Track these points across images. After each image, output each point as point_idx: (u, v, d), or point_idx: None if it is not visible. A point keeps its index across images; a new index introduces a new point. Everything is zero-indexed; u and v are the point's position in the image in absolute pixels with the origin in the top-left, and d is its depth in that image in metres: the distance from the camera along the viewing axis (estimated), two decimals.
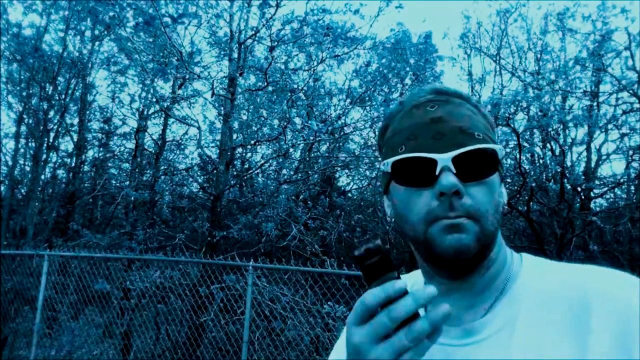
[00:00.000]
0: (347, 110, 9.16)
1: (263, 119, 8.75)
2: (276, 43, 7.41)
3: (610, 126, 8.57)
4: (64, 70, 9.40)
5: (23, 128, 9.82)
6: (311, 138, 7.62)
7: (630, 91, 8.15)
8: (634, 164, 8.59)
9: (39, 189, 9.65)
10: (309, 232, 7.69)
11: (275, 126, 8.28)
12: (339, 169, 10.14)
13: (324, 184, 9.99)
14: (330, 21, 7.51)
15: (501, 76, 9.97)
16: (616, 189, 9.20)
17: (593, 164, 9.16)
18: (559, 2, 22.16)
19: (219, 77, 7.98)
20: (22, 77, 9.45)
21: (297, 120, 8.43)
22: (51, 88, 9.38)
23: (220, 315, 5.43)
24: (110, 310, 5.89)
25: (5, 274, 6.10)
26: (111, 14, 7.68)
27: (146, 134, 10.22)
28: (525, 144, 8.29)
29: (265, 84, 7.25)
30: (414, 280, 0.81)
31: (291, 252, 7.19)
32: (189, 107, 11.64)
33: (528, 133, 8.47)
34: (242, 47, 7.33)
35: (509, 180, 8.26)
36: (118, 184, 10.92)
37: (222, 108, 8.07)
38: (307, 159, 9.62)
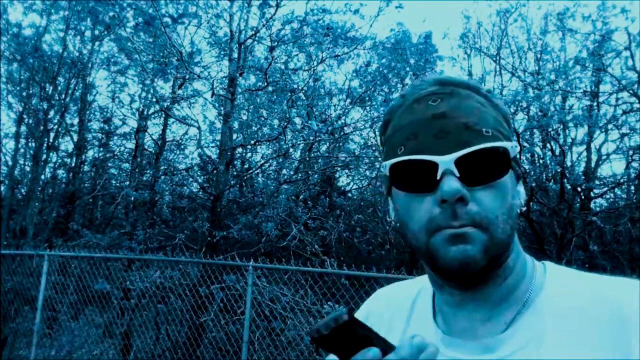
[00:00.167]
0: (347, 110, 9.16)
1: (263, 119, 8.75)
2: (276, 43, 7.42)
3: (610, 126, 8.58)
4: (64, 70, 9.40)
5: (23, 128, 9.83)
6: (311, 138, 7.62)
7: (630, 91, 8.15)
8: (634, 164, 8.60)
9: (39, 189, 9.65)
10: (309, 232, 7.69)
11: (275, 126, 8.28)
12: (339, 169, 10.15)
13: (324, 184, 9.99)
14: (330, 21, 7.51)
15: (501, 76, 9.96)
16: (616, 189, 9.21)
17: (593, 164, 9.17)
18: (559, 2, 22.16)
19: (219, 77, 7.99)
20: (22, 77, 9.46)
21: (297, 120, 8.43)
22: (51, 88, 9.38)
23: (220, 315, 5.43)
24: (110, 310, 5.89)
25: (5, 274, 6.10)
26: (111, 14, 7.68)
27: (146, 134, 10.23)
28: (525, 144, 8.30)
29: (265, 84, 7.25)
30: (420, 286, 0.75)
31: (291, 252, 7.19)
32: (189, 107, 11.66)
33: (528, 133, 8.47)
34: (242, 47, 7.33)
35: None
36: (118, 184, 10.92)
37: (222, 108, 8.07)
38: (307, 159, 9.62)
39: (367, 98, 8.56)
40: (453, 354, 0.63)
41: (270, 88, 7.87)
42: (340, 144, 10.19)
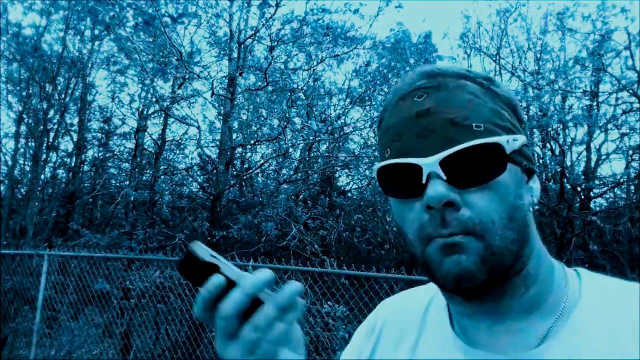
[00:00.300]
0: (347, 110, 9.16)
1: (263, 119, 8.75)
2: (276, 43, 7.42)
3: (610, 126, 8.58)
4: (64, 70, 9.41)
5: (23, 128, 9.83)
6: (311, 138, 7.62)
7: (630, 91, 8.15)
8: (634, 164, 8.60)
9: (39, 189, 9.66)
10: (309, 232, 7.69)
11: (275, 126, 8.28)
12: (339, 169, 10.14)
13: (324, 184, 9.99)
14: (330, 21, 7.52)
15: (501, 76, 9.96)
16: (616, 189, 9.21)
17: (593, 164, 9.17)
18: (559, 2, 22.15)
19: (219, 77, 8.00)
20: (22, 77, 9.47)
21: (297, 120, 8.43)
22: (51, 88, 9.38)
23: None
24: (110, 310, 5.89)
25: (5, 274, 6.10)
26: (111, 14, 7.68)
27: (146, 134, 10.23)
28: None
29: (265, 84, 7.25)
30: (433, 294, 0.69)
31: (291, 252, 7.19)
32: (189, 107, 11.67)
33: (528, 133, 8.46)
34: (242, 47, 7.34)
35: None
36: (118, 184, 10.92)
37: (222, 108, 8.08)
38: (307, 159, 9.62)
39: (367, 98, 8.56)
40: None
41: (270, 88, 7.87)
42: (340, 144, 10.19)
